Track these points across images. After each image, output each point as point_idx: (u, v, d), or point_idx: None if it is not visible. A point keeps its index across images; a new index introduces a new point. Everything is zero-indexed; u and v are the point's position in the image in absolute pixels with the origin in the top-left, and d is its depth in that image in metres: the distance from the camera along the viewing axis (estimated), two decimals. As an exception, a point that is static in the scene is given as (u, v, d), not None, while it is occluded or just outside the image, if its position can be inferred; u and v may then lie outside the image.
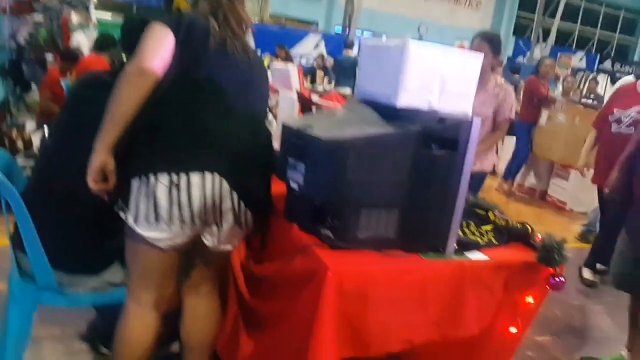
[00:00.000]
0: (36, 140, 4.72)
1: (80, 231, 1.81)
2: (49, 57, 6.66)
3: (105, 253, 1.88)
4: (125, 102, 1.52)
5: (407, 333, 1.60)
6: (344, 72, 8.84)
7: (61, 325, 2.39)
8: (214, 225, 1.66)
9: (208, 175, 1.59)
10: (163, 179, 1.56)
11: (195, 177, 1.57)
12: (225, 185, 1.62)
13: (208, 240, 1.71)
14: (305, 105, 2.62)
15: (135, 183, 1.59)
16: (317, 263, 1.51)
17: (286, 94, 2.74)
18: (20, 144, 4.89)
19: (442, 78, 1.63)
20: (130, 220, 1.61)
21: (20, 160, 4.20)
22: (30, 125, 5.12)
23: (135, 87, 1.52)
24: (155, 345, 1.77)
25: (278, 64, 4.00)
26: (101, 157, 1.55)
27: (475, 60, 1.70)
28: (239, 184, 1.64)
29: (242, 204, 1.67)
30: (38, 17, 7.86)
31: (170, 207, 1.57)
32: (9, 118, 5.63)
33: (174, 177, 1.56)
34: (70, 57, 5.20)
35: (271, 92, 2.65)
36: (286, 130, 1.66)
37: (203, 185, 1.59)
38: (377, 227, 1.60)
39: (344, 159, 1.48)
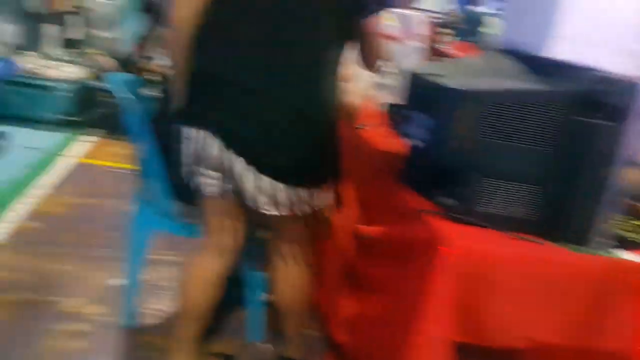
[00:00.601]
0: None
1: None
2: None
3: None
4: (173, 60, 1.60)
5: (532, 330, 1.38)
6: (461, 30, 8.17)
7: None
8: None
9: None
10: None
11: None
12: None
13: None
14: (433, 54, 2.40)
15: None
16: (432, 234, 1.35)
17: (409, 43, 2.53)
18: (148, 76, 5.12)
19: (610, 25, 1.34)
20: None
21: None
22: (162, 60, 5.32)
23: (173, 44, 1.57)
24: (217, 294, 1.71)
25: (403, 11, 3.73)
26: None
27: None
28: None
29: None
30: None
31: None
32: (144, 51, 5.92)
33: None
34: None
35: (393, 41, 2.45)
36: (413, 78, 1.46)
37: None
38: (509, 204, 1.38)
39: (479, 115, 1.26)
